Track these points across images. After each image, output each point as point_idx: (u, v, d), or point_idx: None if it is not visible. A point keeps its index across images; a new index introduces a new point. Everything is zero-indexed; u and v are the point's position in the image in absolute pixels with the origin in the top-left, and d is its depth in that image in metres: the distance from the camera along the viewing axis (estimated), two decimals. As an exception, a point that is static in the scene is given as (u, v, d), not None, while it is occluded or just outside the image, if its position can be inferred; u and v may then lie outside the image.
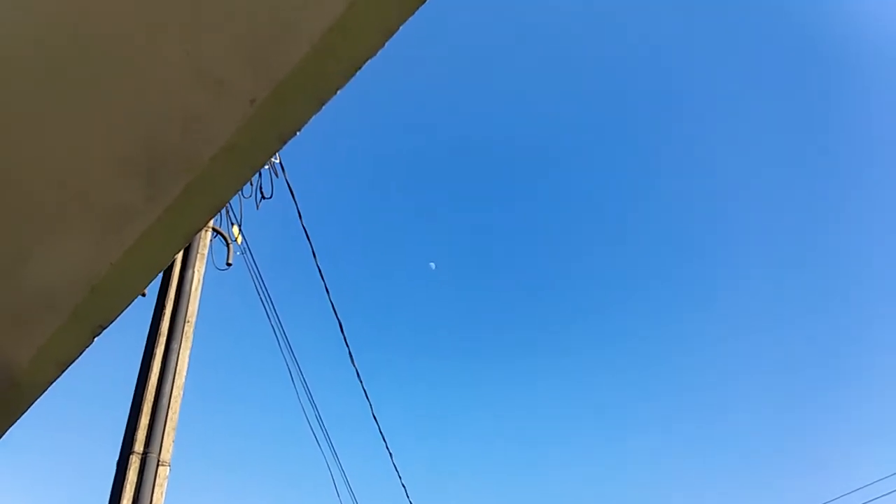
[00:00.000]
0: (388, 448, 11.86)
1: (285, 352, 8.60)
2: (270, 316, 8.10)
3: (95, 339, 2.59)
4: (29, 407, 2.86)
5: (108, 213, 2.30)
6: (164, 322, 5.77)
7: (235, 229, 7.44)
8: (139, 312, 6.26)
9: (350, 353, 9.69)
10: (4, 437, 3.03)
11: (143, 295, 5.71)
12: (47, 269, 2.44)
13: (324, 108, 2.14)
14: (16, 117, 2.13)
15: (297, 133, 2.18)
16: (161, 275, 6.15)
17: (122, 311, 2.53)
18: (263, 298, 7.86)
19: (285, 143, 2.20)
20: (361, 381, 10.28)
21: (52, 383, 2.76)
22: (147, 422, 5.27)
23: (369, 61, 2.02)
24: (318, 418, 10.25)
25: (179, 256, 6.18)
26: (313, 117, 2.21)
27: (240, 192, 7.45)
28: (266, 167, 7.62)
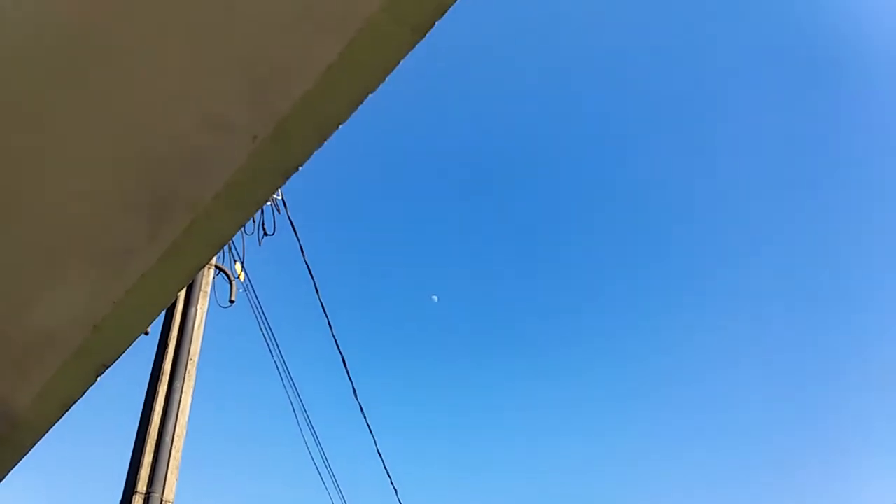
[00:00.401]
0: (392, 484, 11.75)
1: (289, 389, 8.56)
2: (273, 352, 8.07)
3: (98, 378, 2.58)
4: (31, 447, 2.83)
5: (110, 253, 2.30)
6: (167, 361, 5.74)
7: (238, 266, 7.44)
8: (142, 351, 6.24)
9: (353, 387, 9.65)
10: (7, 478, 3.01)
11: (147, 333, 5.69)
12: (50, 310, 2.43)
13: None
14: (16, 159, 2.14)
15: (300, 168, 2.19)
16: (164, 313, 6.15)
17: (124, 350, 2.52)
18: (266, 335, 7.84)
19: (288, 178, 2.20)
20: (365, 417, 10.21)
21: (54, 423, 2.74)
22: (150, 460, 5.23)
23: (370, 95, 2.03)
24: (322, 454, 10.16)
25: (182, 294, 6.17)
26: (315, 152, 2.23)
27: (242, 229, 7.47)
28: (268, 203, 7.64)
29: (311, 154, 2.20)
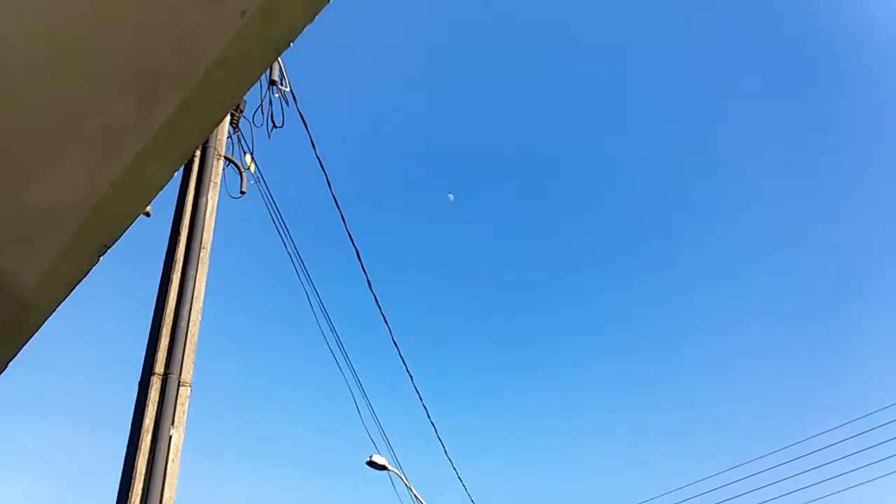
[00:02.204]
0: (408, 370, 12.05)
1: (302, 276, 8.68)
2: (286, 242, 8.15)
3: (101, 257, 2.61)
4: (39, 327, 2.91)
5: (103, 133, 2.29)
6: (180, 249, 5.81)
7: (248, 158, 7.42)
8: (153, 240, 6.33)
9: (368, 279, 9.77)
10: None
11: (147, 215, 5.75)
12: (48, 191, 2.44)
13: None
14: (6, 38, 2.10)
15: (291, 44, 2.14)
16: (175, 204, 6.19)
17: (125, 230, 2.54)
18: (278, 224, 7.90)
19: (279, 54, 2.16)
20: (380, 307, 10.38)
21: (60, 303, 2.79)
22: (167, 344, 5.37)
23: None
24: (338, 342, 10.41)
25: (192, 185, 6.19)
26: (307, 28, 2.17)
27: (251, 120, 7.42)
28: (277, 95, 7.55)
29: (302, 29, 2.15)
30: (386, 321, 10.62)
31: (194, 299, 5.64)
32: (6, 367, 3.14)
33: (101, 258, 2.61)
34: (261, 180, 7.51)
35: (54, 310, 2.82)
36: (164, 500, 4.99)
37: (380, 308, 10.31)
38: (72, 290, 2.73)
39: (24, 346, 3.02)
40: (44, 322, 2.87)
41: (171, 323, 5.46)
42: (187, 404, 5.31)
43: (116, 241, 2.56)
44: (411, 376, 12.10)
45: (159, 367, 5.27)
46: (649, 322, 46.62)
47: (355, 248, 9.19)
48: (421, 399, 12.72)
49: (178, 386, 5.28)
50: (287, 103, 7.42)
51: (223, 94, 2.23)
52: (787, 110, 42.09)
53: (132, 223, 2.53)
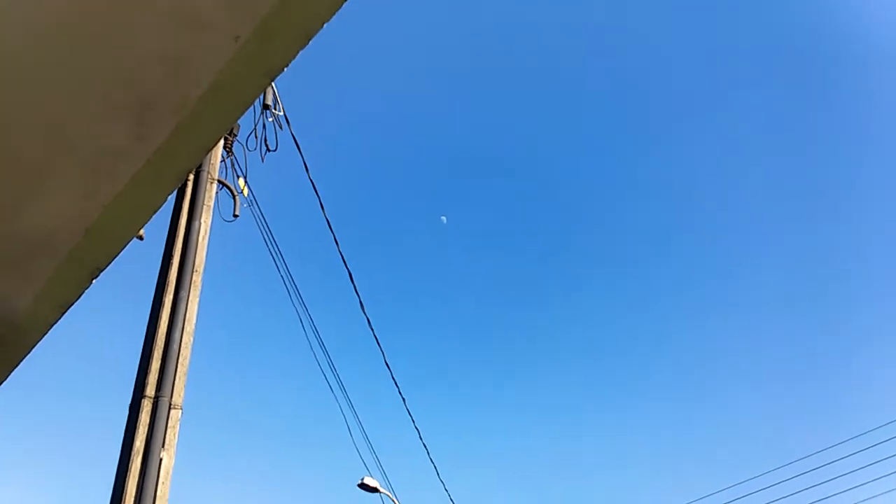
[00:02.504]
0: (400, 394, 12.01)
1: (294, 299, 8.68)
2: (279, 265, 8.15)
3: (93, 281, 2.62)
4: (31, 350, 2.91)
5: (97, 157, 2.31)
6: (172, 272, 5.81)
7: (241, 181, 7.45)
8: (146, 263, 6.33)
9: (360, 301, 9.77)
10: (10, 379, 3.10)
11: (141, 238, 5.75)
12: (41, 215, 2.45)
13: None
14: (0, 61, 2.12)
15: (285, 69, 2.17)
16: (168, 227, 6.20)
17: (118, 254, 2.55)
18: (271, 247, 7.91)
19: (273, 79, 2.19)
20: (373, 329, 10.38)
21: (52, 325, 2.80)
22: (158, 366, 5.36)
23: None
24: (331, 365, 10.38)
25: (185, 208, 6.20)
26: (300, 53, 2.20)
27: (244, 145, 7.45)
28: (270, 119, 7.59)
29: (295, 54, 2.18)
30: (378, 343, 10.61)
31: (186, 322, 5.63)
32: (-3, 389, 3.14)
33: (93, 281, 2.62)
34: (254, 203, 7.54)
35: (46, 332, 2.82)
36: (155, 523, 4.96)
37: (372, 330, 10.30)
38: (64, 312, 2.73)
39: (15, 368, 3.01)
40: (36, 344, 2.87)
41: (162, 345, 5.45)
42: (178, 427, 5.29)
43: (109, 264, 2.57)
44: (404, 399, 12.07)
45: (150, 390, 5.26)
46: (649, 335, 46.56)
47: (348, 270, 9.21)
48: (413, 421, 12.67)
49: (170, 409, 5.27)
50: (280, 127, 7.47)
51: (217, 119, 2.26)
52: (786, 106, 42.26)
53: (125, 247, 2.54)
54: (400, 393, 11.87)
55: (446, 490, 15.24)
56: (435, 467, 14.24)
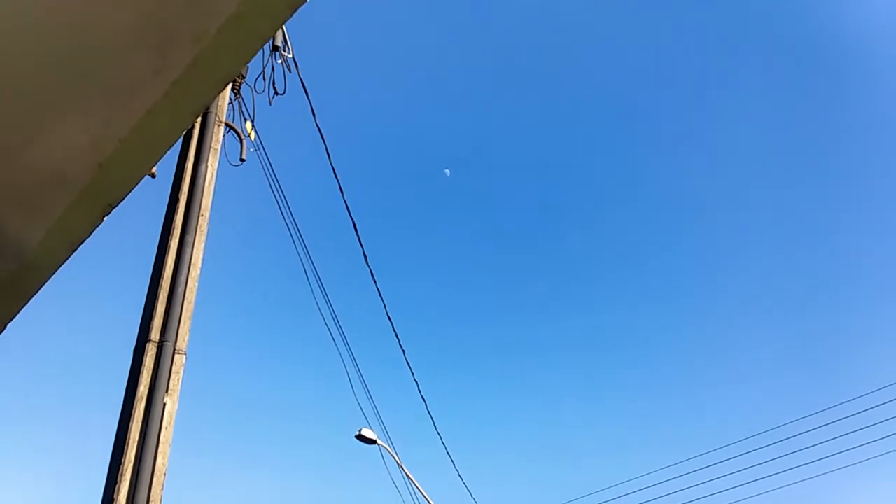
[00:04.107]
0: (400, 345, 12.04)
1: (299, 247, 8.62)
2: (284, 212, 8.08)
3: (105, 218, 2.55)
4: (41, 287, 2.85)
5: (115, 89, 2.23)
6: (178, 215, 5.73)
7: (248, 125, 7.33)
8: (152, 206, 6.25)
9: (364, 252, 9.71)
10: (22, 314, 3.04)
11: (153, 176, 5.67)
12: (54, 148, 2.37)
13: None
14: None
15: (307, 1, 2.07)
16: (175, 170, 6.10)
17: (131, 190, 2.48)
18: (276, 194, 7.83)
19: (295, 10, 2.10)
20: (375, 281, 10.34)
21: (62, 263, 2.73)
22: (163, 311, 5.31)
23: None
24: (333, 314, 10.38)
25: (192, 151, 6.10)
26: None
27: (252, 87, 7.32)
28: (279, 62, 7.45)
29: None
30: (381, 295, 10.59)
31: (192, 266, 5.57)
32: (5, 327, 3.09)
33: (105, 218, 2.55)
34: (260, 148, 7.43)
35: (56, 270, 2.76)
36: (157, 466, 4.96)
37: (375, 282, 10.26)
38: (75, 250, 2.67)
39: (24, 306, 2.96)
40: (45, 283, 2.81)
41: (167, 290, 5.40)
42: (182, 372, 5.27)
43: (122, 200, 2.50)
44: (403, 351, 12.10)
45: (155, 335, 5.22)
46: (641, 310, 46.78)
47: (352, 220, 9.13)
48: (413, 373, 12.73)
49: (174, 354, 5.23)
50: (290, 70, 7.32)
51: (235, 53, 2.17)
52: (786, 101, 42.10)
53: (138, 183, 2.47)
54: (400, 345, 11.90)
55: (443, 443, 15.39)
56: (432, 419, 14.35)
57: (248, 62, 2.22)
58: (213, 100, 2.46)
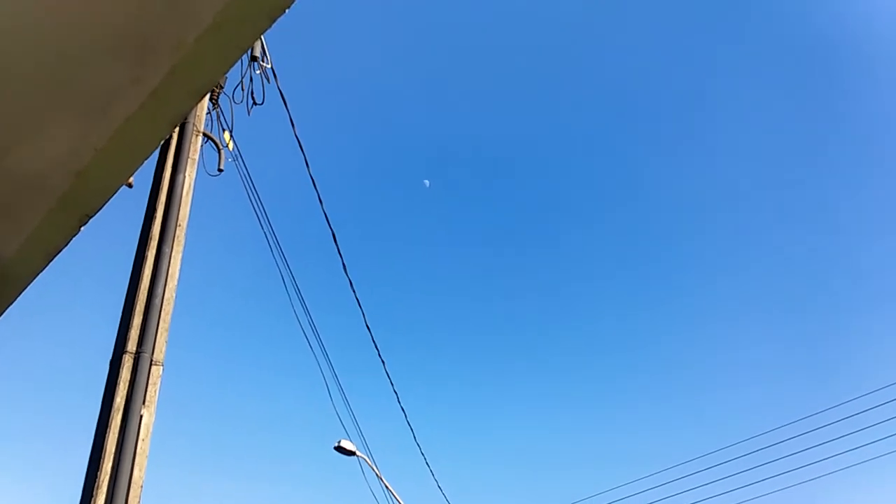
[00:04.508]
0: (380, 355, 12.02)
1: (277, 256, 8.59)
2: (262, 221, 8.05)
3: (82, 227, 2.54)
4: (15, 298, 2.83)
5: (92, 97, 2.22)
6: (156, 226, 5.70)
7: (227, 135, 7.32)
8: (129, 216, 6.21)
9: (343, 262, 9.70)
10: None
11: (130, 186, 5.63)
12: (32, 157, 2.37)
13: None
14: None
15: (286, 10, 2.08)
16: (152, 180, 6.07)
17: (108, 199, 2.47)
18: (254, 203, 7.81)
19: (274, 21, 2.11)
20: (354, 290, 10.32)
21: (38, 273, 2.72)
22: (140, 322, 5.27)
23: None
24: (311, 323, 10.34)
25: (170, 161, 6.07)
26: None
27: (231, 98, 7.30)
28: (258, 72, 7.44)
29: (298, -4, 2.10)
30: (360, 305, 10.56)
31: (169, 277, 5.54)
32: (-20, 337, 3.06)
33: (82, 228, 2.54)
34: (239, 158, 7.42)
35: (32, 281, 2.74)
36: (133, 479, 4.91)
37: (354, 292, 10.25)
38: (51, 259, 2.65)
39: (0, 316, 2.93)
40: (20, 293, 2.79)
41: (144, 300, 5.36)
42: (159, 384, 5.23)
43: (99, 210, 2.49)
44: (383, 361, 12.07)
45: (131, 346, 5.18)
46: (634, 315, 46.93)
47: (331, 230, 9.12)
48: (392, 384, 12.70)
49: (151, 365, 5.20)
50: (268, 80, 7.32)
51: (214, 62, 2.18)
52: (786, 100, 42.48)
53: (115, 192, 2.46)
54: (379, 355, 11.87)
55: (422, 454, 15.35)
56: (412, 430, 14.31)
57: (226, 72, 2.23)
58: (192, 110, 2.46)
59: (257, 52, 7.10)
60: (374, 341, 11.24)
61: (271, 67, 7.54)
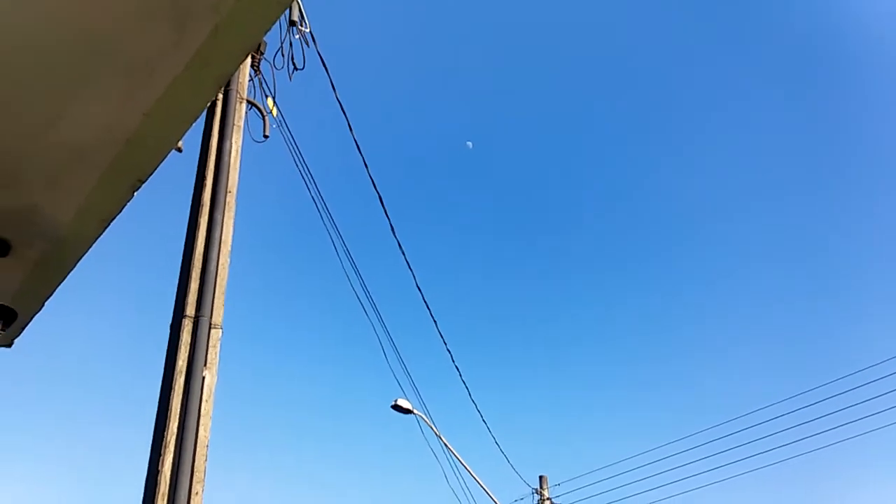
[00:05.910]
0: (432, 316, 12.12)
1: (326, 221, 8.67)
2: (310, 186, 8.12)
3: (135, 193, 2.60)
4: (76, 263, 2.91)
5: (136, 63, 2.25)
6: (206, 193, 5.79)
7: (270, 101, 7.36)
8: (179, 183, 6.32)
9: (391, 225, 9.75)
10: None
11: (179, 150, 5.73)
12: (80, 126, 2.41)
13: None
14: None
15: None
16: (200, 148, 6.16)
17: (158, 165, 2.51)
18: (301, 169, 7.86)
19: (311, -24, 2.10)
20: (403, 252, 10.39)
21: (96, 239, 2.79)
22: (197, 287, 5.39)
23: None
24: (364, 287, 10.45)
25: (216, 129, 6.15)
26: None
27: (271, 63, 7.33)
28: (297, 36, 7.44)
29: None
30: (410, 267, 10.64)
31: (222, 243, 5.64)
32: (44, 304, 3.16)
33: (135, 193, 2.60)
34: (283, 124, 7.46)
35: (90, 246, 2.82)
36: (199, 438, 5.07)
37: (403, 254, 10.32)
38: (107, 226, 2.72)
39: (61, 283, 3.03)
40: (80, 259, 2.87)
41: (199, 266, 5.48)
42: (219, 346, 5.36)
43: (150, 175, 2.54)
44: (435, 321, 12.17)
45: (190, 310, 5.31)
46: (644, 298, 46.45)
47: (378, 194, 9.16)
48: (445, 343, 12.81)
49: (210, 328, 5.32)
50: (308, 44, 7.32)
51: (257, 19, 2.18)
52: (786, 105, 41.59)
53: (166, 157, 2.50)
54: (431, 315, 11.96)
55: (477, 410, 15.51)
56: (466, 387, 14.46)
57: (267, 30, 2.23)
58: (235, 70, 2.47)
59: (295, 17, 7.09)
60: (425, 301, 11.32)
61: (310, 31, 7.54)
